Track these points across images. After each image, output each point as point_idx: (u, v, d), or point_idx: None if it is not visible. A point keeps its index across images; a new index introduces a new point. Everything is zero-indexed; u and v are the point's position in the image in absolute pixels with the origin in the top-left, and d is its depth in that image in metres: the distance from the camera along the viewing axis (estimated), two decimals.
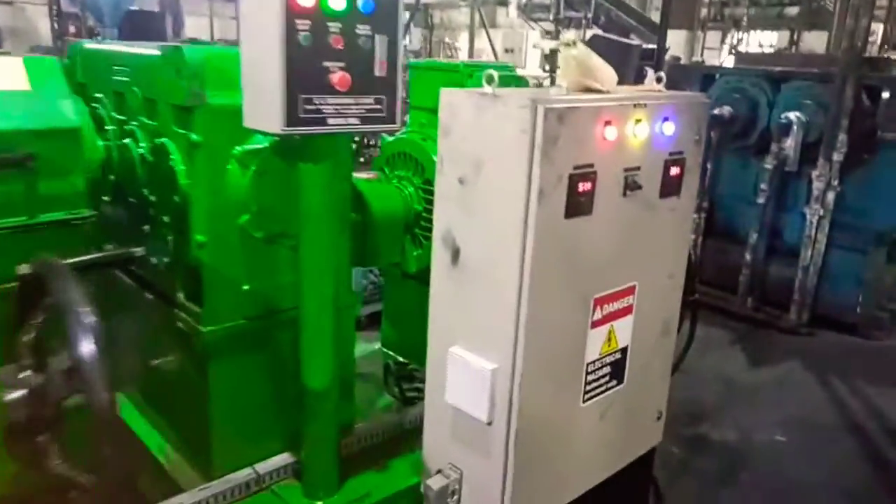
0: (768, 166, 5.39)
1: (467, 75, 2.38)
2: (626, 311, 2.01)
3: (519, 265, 1.65)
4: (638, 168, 1.84)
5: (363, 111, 1.71)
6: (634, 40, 8.38)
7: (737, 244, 5.75)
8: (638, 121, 1.79)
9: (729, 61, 11.35)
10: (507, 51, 12.46)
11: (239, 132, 1.74)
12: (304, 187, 1.75)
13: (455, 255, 1.81)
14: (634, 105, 1.78)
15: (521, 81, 2.45)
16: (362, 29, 1.65)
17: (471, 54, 12.54)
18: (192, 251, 1.87)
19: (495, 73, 1.63)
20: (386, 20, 1.68)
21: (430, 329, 1.95)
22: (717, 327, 5.13)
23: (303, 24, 1.54)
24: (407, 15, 9.77)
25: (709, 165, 5.82)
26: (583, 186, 1.69)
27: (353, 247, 2.38)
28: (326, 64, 1.60)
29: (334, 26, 1.59)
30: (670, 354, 2.33)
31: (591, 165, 1.70)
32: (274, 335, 2.05)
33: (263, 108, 1.59)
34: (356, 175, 2.46)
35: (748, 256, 5.58)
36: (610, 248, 1.86)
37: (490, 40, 12.61)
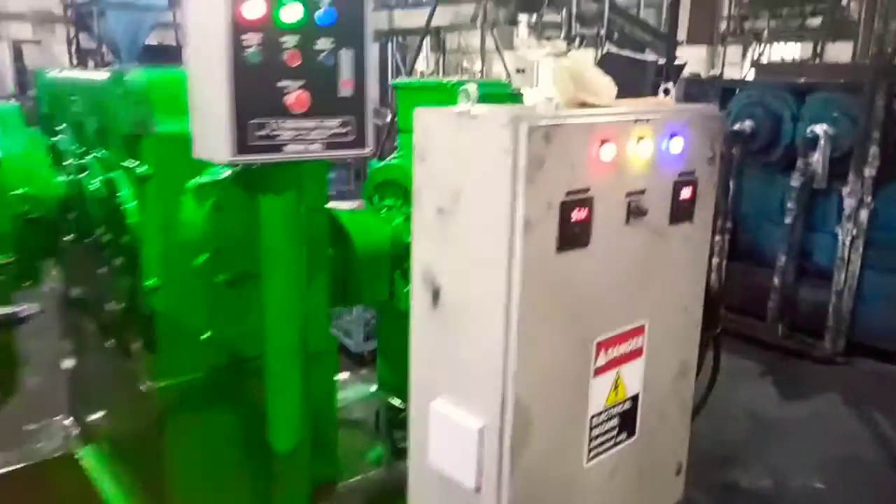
0: (795, 183, 5.14)
1: (456, 94, 2.21)
2: (635, 353, 1.79)
3: (504, 307, 1.45)
4: (642, 191, 1.64)
5: (327, 135, 1.54)
6: (650, 56, 8.21)
7: (764, 267, 5.48)
8: (640, 138, 1.59)
9: (751, 75, 11.14)
10: (518, 71, 12.38)
11: (193, 163, 1.58)
12: (263, 222, 1.58)
13: (435, 295, 1.62)
14: (636, 120, 1.58)
15: (516, 99, 2.27)
16: (323, 43, 1.48)
17: (482, 76, 12.47)
18: (145, 297, 1.70)
19: (472, 88, 1.45)
20: (351, 32, 1.51)
21: (411, 379, 1.75)
22: (744, 357, 4.85)
23: (251, 40, 1.38)
24: (418, 39, 9.75)
25: (731, 184, 5.58)
26: (577, 215, 1.49)
27: (332, 284, 2.20)
28: (281, 84, 1.44)
29: (289, 41, 1.43)
30: (690, 398, 2.10)
31: (587, 190, 1.50)
32: (242, 387, 1.87)
33: (210, 134, 1.43)
34: (338, 205, 2.30)
35: (777, 280, 5.30)
36: (613, 284, 1.66)
37: (504, 62, 12.54)
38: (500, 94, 2.14)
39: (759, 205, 5.63)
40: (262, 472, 1.79)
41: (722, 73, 13.20)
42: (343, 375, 3.74)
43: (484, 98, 1.89)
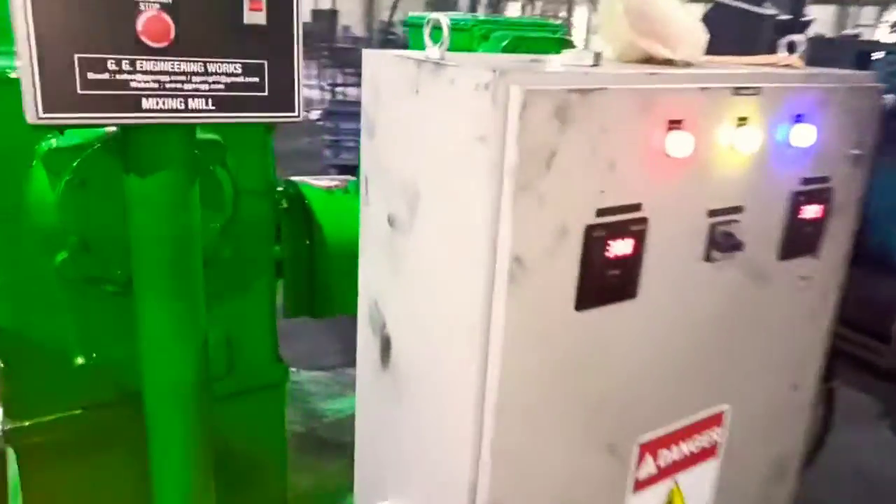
0: None
1: (480, 37, 1.61)
2: (704, 454, 1.21)
3: (479, 388, 0.90)
4: (738, 209, 1.04)
5: (220, 87, 1.01)
6: (768, 9, 7.21)
7: (894, 278, 4.62)
8: (742, 121, 0.98)
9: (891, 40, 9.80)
10: None
11: None
12: (129, 213, 1.08)
13: (385, 347, 1.08)
14: (736, 91, 0.97)
15: (562, 46, 1.65)
16: None
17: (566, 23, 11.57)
18: None
19: (444, 21, 0.87)
20: None
21: (356, 464, 1.23)
22: (858, 390, 4.08)
23: None
24: None
25: None
26: (617, 248, 0.91)
27: (294, 290, 1.70)
28: None
29: None
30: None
31: (637, 207, 0.91)
32: (137, 429, 1.39)
33: (22, 77, 0.92)
34: (309, 182, 1.78)
35: None
36: (675, 356, 1.07)
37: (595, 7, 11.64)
38: (538, 39, 1.53)
39: (895, 199, 4.74)
40: None
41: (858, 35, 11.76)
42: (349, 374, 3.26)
43: (515, 46, 1.30)
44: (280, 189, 1.69)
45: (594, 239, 0.88)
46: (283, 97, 1.06)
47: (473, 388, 0.90)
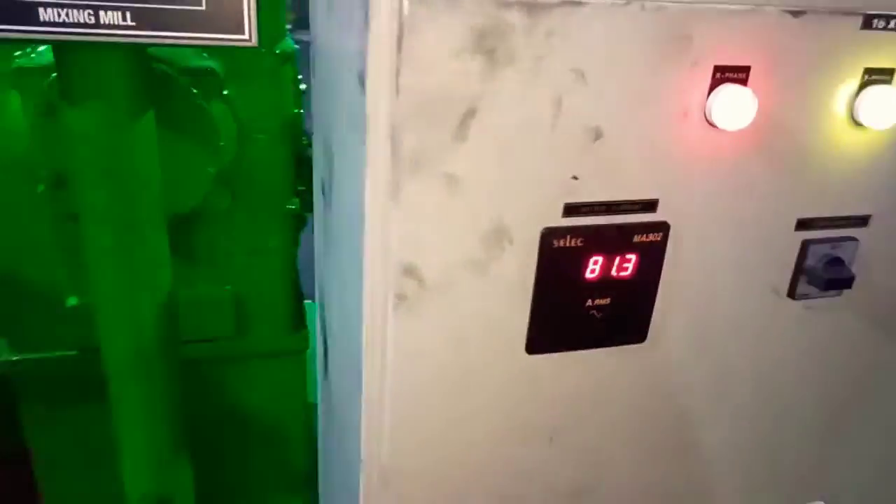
0: None
1: None
2: None
3: (374, 449, 0.65)
4: (860, 221, 0.67)
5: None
6: None
7: None
8: (871, 75, 0.60)
9: None
10: None
11: None
12: (67, 146, 0.93)
13: (325, 353, 0.85)
14: (866, 21, 0.59)
15: None
16: None
17: None
18: None
19: None
20: None
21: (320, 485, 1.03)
22: None
23: None
24: None
25: None
26: (601, 266, 0.59)
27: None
28: None
29: None
30: None
31: (652, 205, 0.58)
32: None
33: None
34: None
35: None
36: (719, 432, 0.73)
37: None
38: None
39: None
40: None
41: None
42: None
43: None
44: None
45: (557, 250, 0.57)
46: (226, 14, 0.83)
47: (367, 455, 0.64)
